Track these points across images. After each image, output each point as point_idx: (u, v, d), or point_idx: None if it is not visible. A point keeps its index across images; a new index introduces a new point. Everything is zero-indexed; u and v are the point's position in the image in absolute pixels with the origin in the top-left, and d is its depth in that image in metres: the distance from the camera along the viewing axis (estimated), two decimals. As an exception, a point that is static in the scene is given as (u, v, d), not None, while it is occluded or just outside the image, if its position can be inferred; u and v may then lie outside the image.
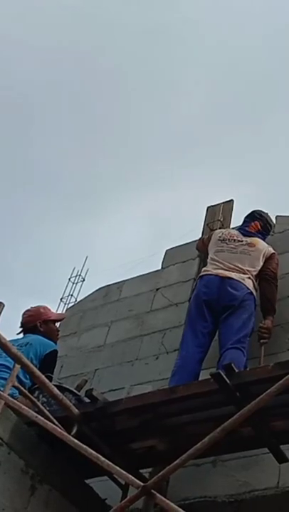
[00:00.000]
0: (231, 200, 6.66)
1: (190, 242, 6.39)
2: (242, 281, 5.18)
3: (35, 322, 5.16)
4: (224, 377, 3.70)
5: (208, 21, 17.91)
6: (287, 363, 3.68)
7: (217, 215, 6.53)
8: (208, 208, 6.77)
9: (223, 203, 6.66)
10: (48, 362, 4.87)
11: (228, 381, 3.70)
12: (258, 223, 5.72)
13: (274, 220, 6.02)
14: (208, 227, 6.42)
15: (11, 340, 4.17)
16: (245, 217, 5.89)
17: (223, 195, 6.81)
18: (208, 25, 17.91)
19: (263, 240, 5.64)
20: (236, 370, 3.80)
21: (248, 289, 5.15)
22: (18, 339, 5.01)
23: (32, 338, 4.99)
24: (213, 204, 6.76)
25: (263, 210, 5.89)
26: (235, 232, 5.72)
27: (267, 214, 5.86)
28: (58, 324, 5.47)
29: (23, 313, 5.28)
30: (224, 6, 17.52)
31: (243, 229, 5.73)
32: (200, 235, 6.40)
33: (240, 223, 5.90)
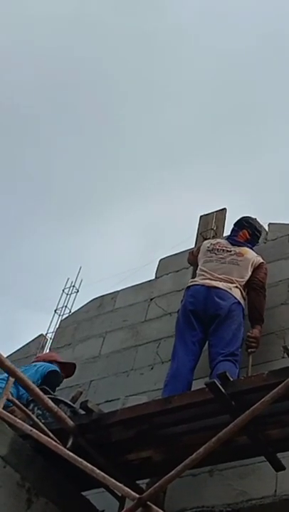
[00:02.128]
0: (224, 209, 6.66)
1: (183, 251, 6.39)
2: (229, 290, 5.16)
3: (40, 361, 5.53)
4: (219, 386, 3.69)
5: (199, 28, 17.98)
6: (281, 370, 3.68)
7: (210, 224, 6.53)
8: (201, 216, 6.77)
9: (216, 211, 6.66)
10: (49, 378, 5.13)
11: (223, 390, 3.69)
12: (246, 232, 5.71)
13: (266, 228, 6.03)
14: (202, 236, 6.41)
15: None
16: (234, 226, 5.87)
17: (217, 204, 6.82)
18: (199, 32, 17.97)
19: (252, 247, 5.64)
20: (231, 379, 3.80)
21: (235, 298, 5.13)
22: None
23: (38, 364, 5.39)
24: (206, 213, 6.76)
25: (251, 216, 5.88)
26: (224, 241, 5.70)
27: (255, 220, 5.85)
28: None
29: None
30: (215, 12, 17.58)
31: (231, 238, 5.71)
32: (193, 244, 6.40)
33: (233, 232, 5.88)
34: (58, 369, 5.39)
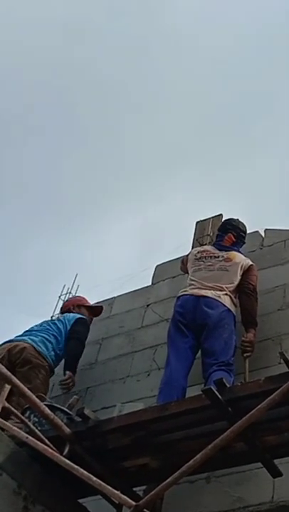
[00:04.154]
0: (220, 215, 6.65)
1: (180, 257, 6.38)
2: (218, 298, 5.13)
3: (69, 306, 6.16)
4: (216, 392, 3.69)
5: (194, 31, 18.01)
6: (278, 377, 3.67)
7: (206, 229, 6.54)
8: (198, 222, 6.78)
9: (212, 217, 6.67)
10: (80, 323, 5.83)
11: (219, 396, 3.69)
12: (231, 235, 5.69)
13: (263, 234, 6.03)
14: (198, 242, 6.42)
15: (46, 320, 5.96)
16: (218, 231, 5.87)
17: (213, 209, 6.82)
18: (194, 35, 17.99)
19: (240, 248, 5.65)
20: (228, 386, 3.79)
21: (225, 306, 5.10)
22: None
23: (66, 314, 6.02)
24: (202, 219, 6.77)
25: (233, 218, 5.89)
26: (211, 248, 5.69)
27: (237, 221, 5.84)
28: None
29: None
30: (209, 15, 17.61)
31: (218, 244, 5.70)
32: (190, 250, 6.39)
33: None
34: (84, 317, 5.96)
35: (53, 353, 5.57)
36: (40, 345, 5.51)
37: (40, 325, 5.84)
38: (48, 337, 5.63)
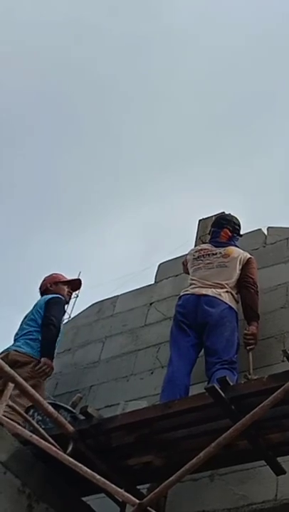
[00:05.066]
0: (223, 213, 6.66)
1: (183, 256, 6.39)
2: (218, 296, 5.13)
3: (46, 285, 6.02)
4: (219, 390, 3.69)
5: (195, 30, 18.00)
6: (281, 374, 3.67)
7: (209, 227, 6.53)
8: (200, 220, 6.77)
9: (215, 215, 6.66)
10: (50, 305, 5.67)
11: (222, 394, 3.69)
12: (227, 230, 5.68)
13: (265, 232, 6.03)
14: (201, 240, 6.41)
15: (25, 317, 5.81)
16: (212, 227, 5.86)
17: (216, 207, 6.82)
18: (195, 35, 17.98)
19: (236, 242, 5.65)
20: (231, 384, 3.79)
21: (226, 304, 5.10)
22: None
23: (39, 299, 5.86)
24: (204, 217, 6.77)
25: (225, 213, 5.90)
26: (208, 246, 5.68)
27: (230, 215, 5.85)
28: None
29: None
30: (211, 14, 17.59)
31: (214, 240, 5.69)
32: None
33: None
34: (55, 295, 5.82)
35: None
36: (24, 347, 5.48)
37: (21, 327, 5.76)
38: (31, 336, 5.57)
